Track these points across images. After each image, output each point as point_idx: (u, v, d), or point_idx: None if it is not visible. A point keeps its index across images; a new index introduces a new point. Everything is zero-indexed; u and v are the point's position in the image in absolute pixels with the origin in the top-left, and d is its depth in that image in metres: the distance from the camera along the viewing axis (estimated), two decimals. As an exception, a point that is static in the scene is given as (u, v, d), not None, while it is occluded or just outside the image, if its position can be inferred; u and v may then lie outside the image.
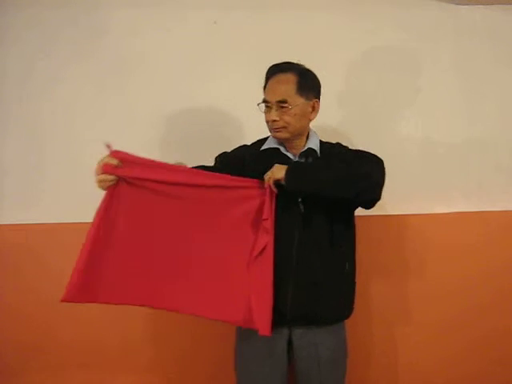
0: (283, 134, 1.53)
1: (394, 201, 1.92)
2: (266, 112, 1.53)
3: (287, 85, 1.50)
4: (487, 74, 2.10)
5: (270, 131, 1.56)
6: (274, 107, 1.49)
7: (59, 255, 1.98)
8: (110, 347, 1.99)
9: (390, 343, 2.06)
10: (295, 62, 1.54)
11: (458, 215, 2.07)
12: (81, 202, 1.98)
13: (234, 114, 2.01)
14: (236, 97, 2.00)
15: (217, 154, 2.05)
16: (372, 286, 2.02)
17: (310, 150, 1.56)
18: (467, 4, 2.06)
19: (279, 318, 1.47)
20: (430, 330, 2.07)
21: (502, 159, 2.11)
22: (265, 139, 1.63)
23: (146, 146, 2.00)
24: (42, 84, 1.99)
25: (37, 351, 1.97)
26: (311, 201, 1.49)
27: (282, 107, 1.49)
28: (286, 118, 1.50)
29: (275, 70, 1.53)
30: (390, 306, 2.04)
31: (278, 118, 1.49)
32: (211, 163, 2.01)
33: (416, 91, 2.08)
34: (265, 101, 1.52)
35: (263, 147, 1.59)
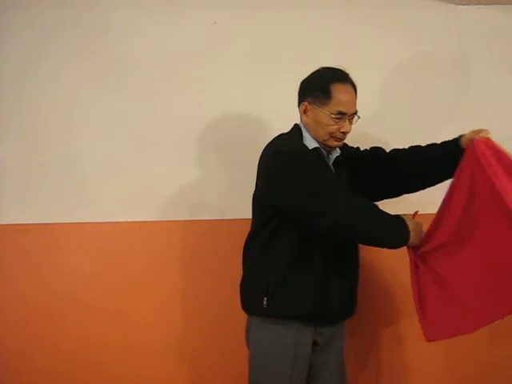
0: (341, 144, 1.54)
1: (394, 201, 1.92)
2: (335, 123, 1.47)
3: (355, 96, 1.50)
4: (487, 74, 2.09)
5: (327, 139, 1.50)
6: (348, 119, 1.48)
7: (59, 255, 1.99)
8: (110, 350, 2.00)
9: (391, 342, 2.06)
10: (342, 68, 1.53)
11: (458, 215, 2.07)
12: (80, 201, 1.99)
13: (233, 114, 2.01)
14: (236, 97, 1.99)
15: (216, 154, 2.06)
16: (372, 285, 2.02)
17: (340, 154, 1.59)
18: (468, 4, 2.06)
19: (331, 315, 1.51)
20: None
21: (502, 159, 2.11)
22: (297, 134, 1.55)
23: (145, 146, 2.01)
24: (41, 84, 1.99)
25: (34, 353, 1.97)
26: None
27: (351, 118, 1.49)
28: (351, 128, 1.51)
29: (344, 79, 1.49)
30: (390, 305, 2.04)
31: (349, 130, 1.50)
32: (210, 162, 2.02)
33: (416, 91, 2.08)
34: (342, 113, 1.46)
35: (311, 146, 1.51)
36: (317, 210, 1.37)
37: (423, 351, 2.05)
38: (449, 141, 1.52)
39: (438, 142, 2.06)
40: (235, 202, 1.96)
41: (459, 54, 2.09)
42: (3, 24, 1.98)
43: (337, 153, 1.57)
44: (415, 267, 1.49)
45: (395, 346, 2.05)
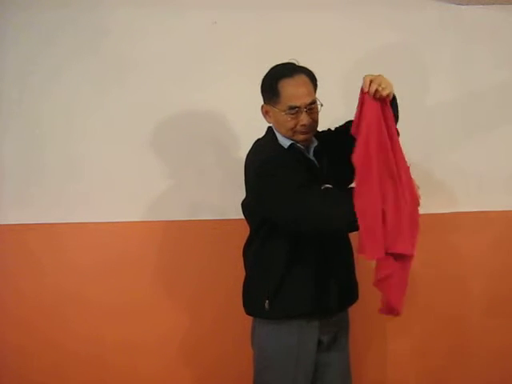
0: (309, 135, 1.50)
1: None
2: (291, 118, 1.44)
3: (308, 85, 1.46)
4: (487, 74, 2.09)
5: (292, 135, 1.47)
6: (304, 110, 1.44)
7: (59, 255, 1.99)
8: (112, 347, 2.00)
9: (395, 333, 2.07)
10: (293, 61, 1.50)
11: (458, 215, 2.07)
12: (81, 201, 1.99)
13: (233, 113, 2.01)
14: (236, 97, 1.99)
15: (216, 154, 2.06)
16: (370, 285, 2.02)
17: (318, 144, 1.56)
18: (468, 4, 2.06)
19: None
20: (428, 330, 2.08)
21: (501, 159, 2.11)
22: (271, 136, 1.54)
23: (145, 146, 2.01)
24: (41, 84, 1.99)
25: (35, 352, 1.98)
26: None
27: (310, 109, 1.45)
28: (315, 117, 1.47)
29: (290, 73, 1.44)
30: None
31: (310, 121, 1.45)
32: (210, 162, 2.02)
33: (416, 91, 2.08)
34: (294, 107, 1.42)
35: (286, 144, 1.49)
36: (294, 217, 1.35)
37: (426, 342, 2.06)
38: None
39: (439, 142, 2.09)
40: (235, 202, 1.95)
41: (459, 54, 2.09)
42: (3, 23, 1.98)
43: (314, 143, 1.55)
44: None
45: (399, 337, 2.06)
